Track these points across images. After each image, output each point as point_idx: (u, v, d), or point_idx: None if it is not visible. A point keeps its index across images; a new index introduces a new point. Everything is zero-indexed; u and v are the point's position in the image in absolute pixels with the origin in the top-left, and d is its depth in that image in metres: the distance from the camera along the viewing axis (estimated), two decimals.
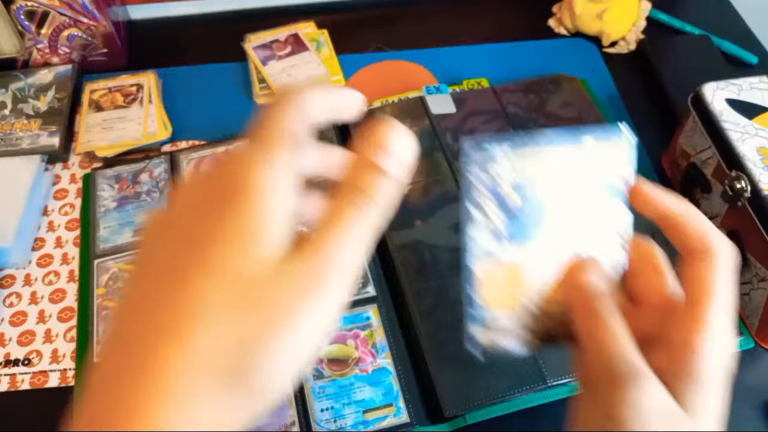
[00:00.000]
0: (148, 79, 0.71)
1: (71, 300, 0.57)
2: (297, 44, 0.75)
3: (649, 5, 0.78)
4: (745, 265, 0.54)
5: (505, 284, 0.31)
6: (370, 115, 0.66)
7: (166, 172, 0.64)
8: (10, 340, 0.55)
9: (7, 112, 0.68)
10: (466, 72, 0.74)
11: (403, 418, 0.49)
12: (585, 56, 0.78)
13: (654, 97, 0.73)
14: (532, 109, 0.67)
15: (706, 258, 0.29)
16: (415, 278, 0.55)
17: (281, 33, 0.77)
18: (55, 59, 0.73)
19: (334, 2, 0.83)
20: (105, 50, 0.74)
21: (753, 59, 0.76)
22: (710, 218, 0.53)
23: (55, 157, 0.66)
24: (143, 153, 0.67)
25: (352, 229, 0.23)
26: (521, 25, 0.81)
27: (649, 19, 0.79)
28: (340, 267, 0.23)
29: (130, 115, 0.68)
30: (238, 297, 0.22)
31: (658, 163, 0.67)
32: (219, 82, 0.74)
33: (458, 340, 0.31)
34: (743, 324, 0.56)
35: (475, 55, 0.77)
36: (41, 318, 0.56)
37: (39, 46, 0.72)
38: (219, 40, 0.79)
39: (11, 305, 0.57)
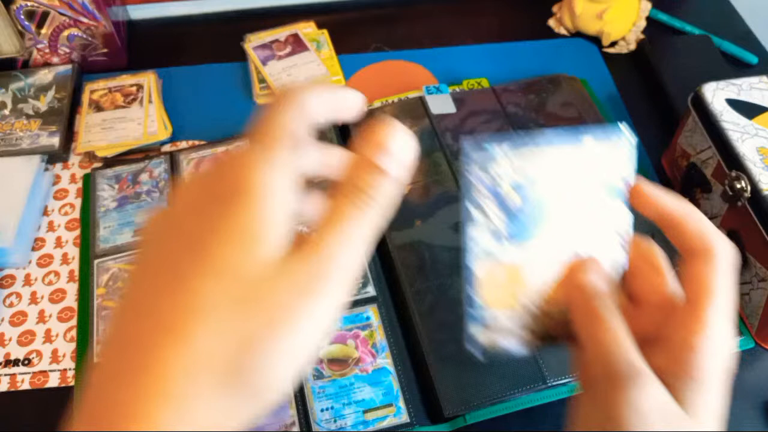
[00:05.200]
0: (148, 79, 0.71)
1: (71, 300, 0.57)
2: (297, 44, 0.75)
3: (649, 5, 0.78)
4: (745, 265, 0.54)
5: (505, 284, 0.31)
6: (370, 115, 0.66)
7: (166, 172, 0.64)
8: (10, 340, 0.55)
9: (7, 112, 0.68)
10: (466, 72, 0.75)
11: (403, 418, 0.49)
12: (585, 56, 0.78)
13: (654, 97, 0.73)
14: (532, 109, 0.67)
15: (706, 258, 0.28)
16: (415, 278, 0.55)
17: (281, 33, 0.77)
18: (55, 59, 0.73)
19: (334, 2, 0.83)
20: (105, 50, 0.74)
21: (753, 59, 0.76)
22: (710, 218, 0.53)
23: (55, 157, 0.66)
24: (143, 153, 0.67)
25: (352, 229, 0.24)
26: (521, 25, 0.81)
27: (649, 19, 0.79)
28: (340, 267, 0.23)
29: (130, 115, 0.68)
30: (237, 297, 0.22)
31: (658, 163, 0.67)
32: (219, 82, 0.74)
33: (458, 340, 0.31)
34: (743, 324, 0.56)
35: (475, 55, 0.77)
36: (41, 318, 0.56)
37: (39, 46, 0.72)
38: (219, 40, 0.79)
39: (11, 305, 0.57)
